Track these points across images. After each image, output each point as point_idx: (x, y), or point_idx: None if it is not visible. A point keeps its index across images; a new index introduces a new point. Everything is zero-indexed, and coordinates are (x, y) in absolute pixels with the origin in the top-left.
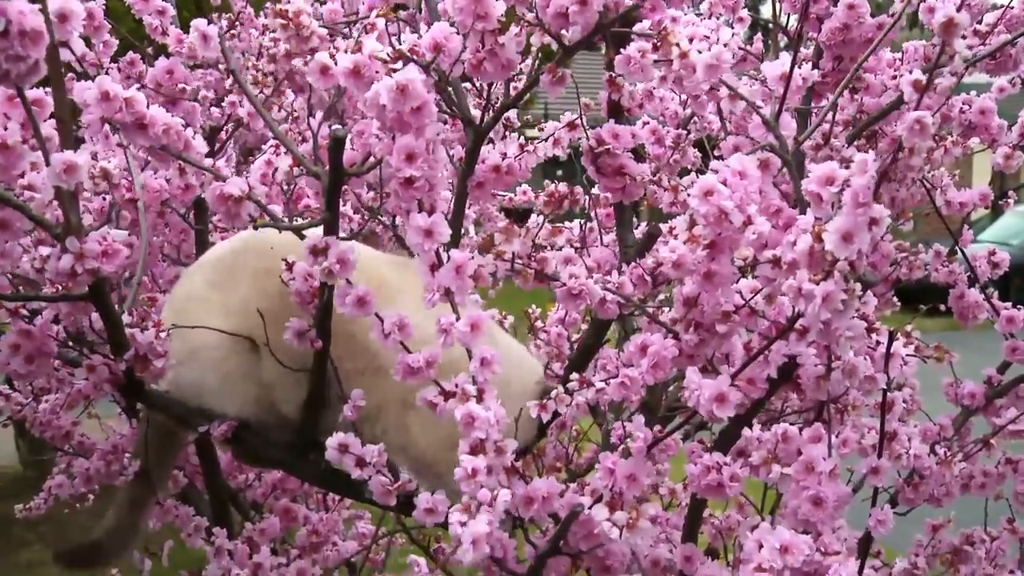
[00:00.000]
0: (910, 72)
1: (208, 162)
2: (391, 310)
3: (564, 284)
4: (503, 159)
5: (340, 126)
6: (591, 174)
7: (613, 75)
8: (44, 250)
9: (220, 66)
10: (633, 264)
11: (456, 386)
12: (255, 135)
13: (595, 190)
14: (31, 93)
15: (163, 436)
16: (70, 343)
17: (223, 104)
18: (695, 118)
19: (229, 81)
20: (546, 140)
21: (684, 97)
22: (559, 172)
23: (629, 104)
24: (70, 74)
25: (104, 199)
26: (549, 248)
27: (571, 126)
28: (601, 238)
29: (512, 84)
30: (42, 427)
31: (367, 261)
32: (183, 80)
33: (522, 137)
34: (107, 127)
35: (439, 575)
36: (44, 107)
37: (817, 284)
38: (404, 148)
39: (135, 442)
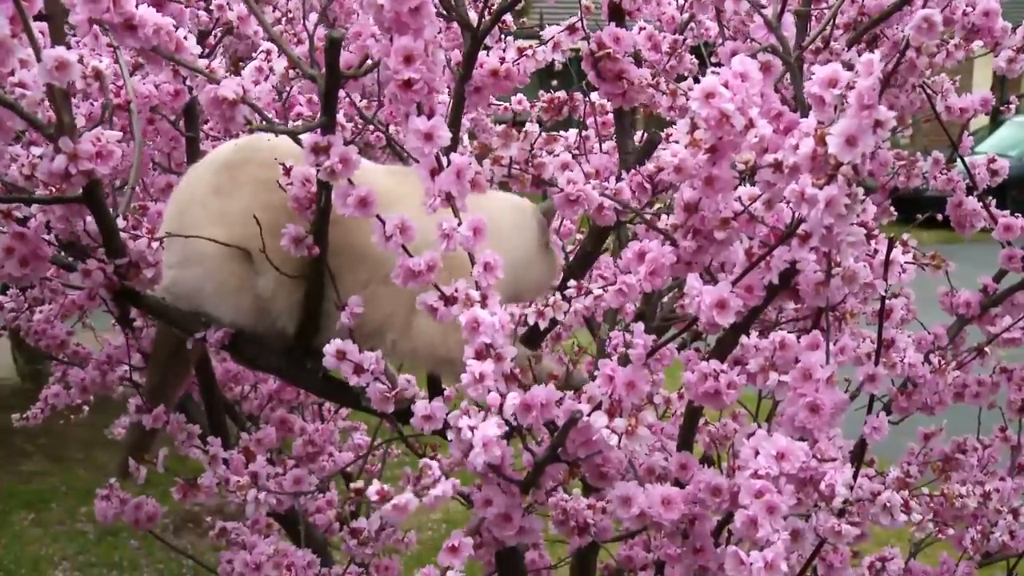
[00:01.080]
0: None
1: (202, 63)
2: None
3: (562, 190)
4: (501, 64)
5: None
6: (591, 79)
7: None
8: (36, 150)
9: None
10: (633, 171)
11: (457, 291)
12: (245, 42)
13: (594, 97)
14: None
15: (171, 352)
16: (62, 252)
17: (211, 9)
18: (692, 24)
19: None
20: (545, 44)
21: (682, 2)
22: (554, 82)
23: (630, 8)
24: None
25: (92, 104)
26: (546, 155)
27: (571, 29)
28: (601, 145)
29: None
30: (36, 336)
31: (364, 171)
32: None
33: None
34: (97, 29)
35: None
36: (33, 2)
37: (820, 188)
38: (402, 49)
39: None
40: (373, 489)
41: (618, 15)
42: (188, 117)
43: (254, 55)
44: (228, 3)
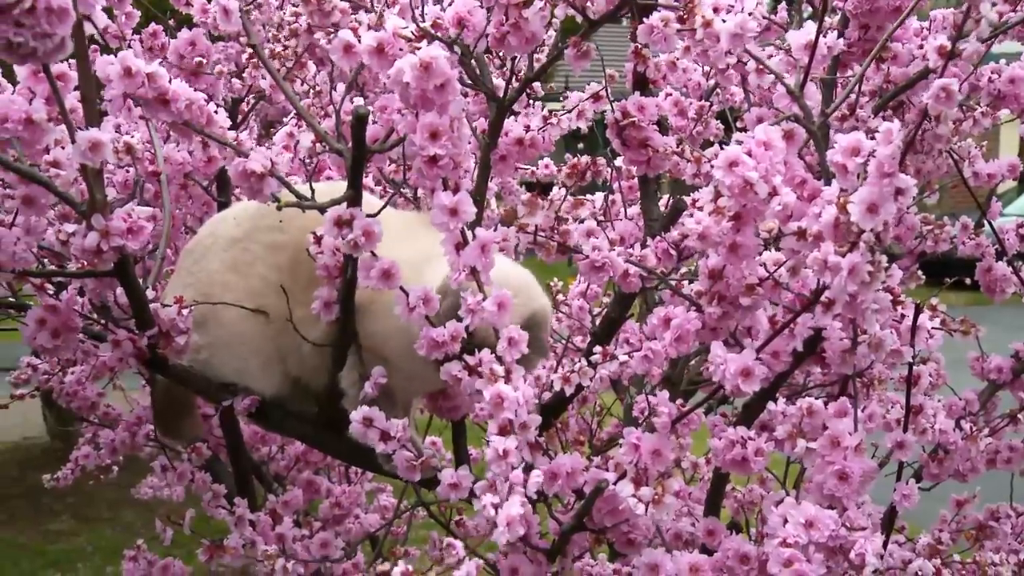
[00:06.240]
0: (936, 39)
1: (231, 136)
2: None
3: (587, 257)
4: (526, 132)
5: (362, 99)
6: (616, 147)
7: (639, 46)
8: (69, 227)
9: (241, 38)
10: (658, 238)
11: (481, 363)
12: (276, 108)
13: (619, 162)
14: (55, 67)
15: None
16: (95, 316)
17: (244, 76)
18: (718, 90)
19: (248, 54)
20: (570, 112)
21: (707, 68)
22: (580, 145)
23: (655, 76)
24: (93, 46)
25: (128, 171)
26: (572, 221)
27: (596, 98)
28: (625, 211)
29: (535, 56)
30: (68, 398)
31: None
32: (205, 52)
33: (545, 109)
34: (130, 101)
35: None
36: (68, 81)
37: (843, 256)
38: (428, 126)
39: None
40: (398, 571)
41: (642, 84)
42: (220, 183)
43: (285, 120)
44: (261, 72)
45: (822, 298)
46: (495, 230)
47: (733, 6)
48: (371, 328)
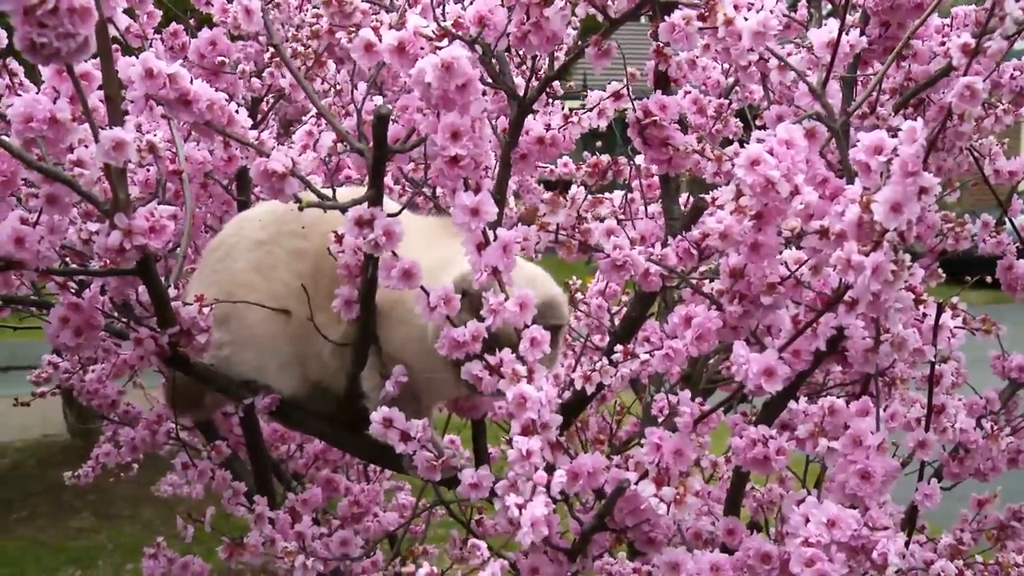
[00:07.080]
0: (959, 36)
1: (252, 135)
2: None
3: (608, 255)
4: (547, 130)
5: (382, 98)
6: (637, 146)
7: (661, 45)
8: (92, 226)
9: (260, 37)
10: (679, 237)
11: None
12: (295, 107)
13: (638, 160)
14: (79, 67)
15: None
16: (116, 314)
17: (263, 75)
18: (737, 87)
19: (269, 53)
20: (590, 111)
21: (726, 66)
22: (599, 143)
23: (676, 75)
24: (115, 46)
25: (149, 171)
26: (591, 219)
27: (616, 96)
28: (646, 209)
29: (555, 55)
30: (89, 396)
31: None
32: (225, 52)
33: (564, 107)
34: (151, 100)
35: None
36: (92, 81)
37: (866, 255)
38: (449, 126)
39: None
40: (423, 572)
41: (663, 83)
42: (240, 181)
43: (303, 119)
44: (280, 71)
45: (845, 297)
46: (516, 227)
47: (753, 4)
48: (391, 334)
